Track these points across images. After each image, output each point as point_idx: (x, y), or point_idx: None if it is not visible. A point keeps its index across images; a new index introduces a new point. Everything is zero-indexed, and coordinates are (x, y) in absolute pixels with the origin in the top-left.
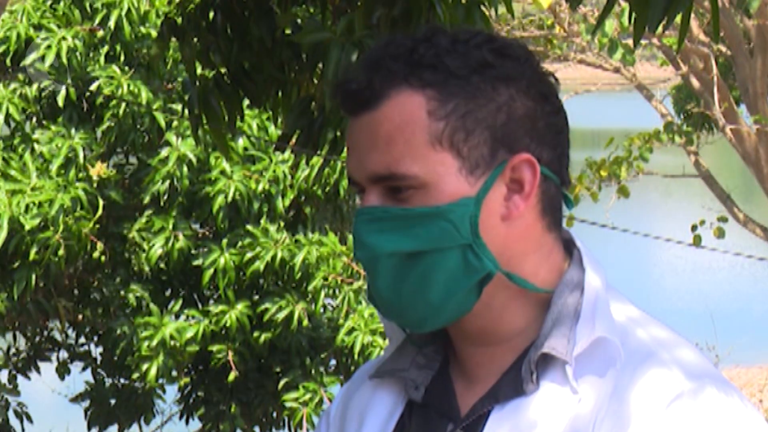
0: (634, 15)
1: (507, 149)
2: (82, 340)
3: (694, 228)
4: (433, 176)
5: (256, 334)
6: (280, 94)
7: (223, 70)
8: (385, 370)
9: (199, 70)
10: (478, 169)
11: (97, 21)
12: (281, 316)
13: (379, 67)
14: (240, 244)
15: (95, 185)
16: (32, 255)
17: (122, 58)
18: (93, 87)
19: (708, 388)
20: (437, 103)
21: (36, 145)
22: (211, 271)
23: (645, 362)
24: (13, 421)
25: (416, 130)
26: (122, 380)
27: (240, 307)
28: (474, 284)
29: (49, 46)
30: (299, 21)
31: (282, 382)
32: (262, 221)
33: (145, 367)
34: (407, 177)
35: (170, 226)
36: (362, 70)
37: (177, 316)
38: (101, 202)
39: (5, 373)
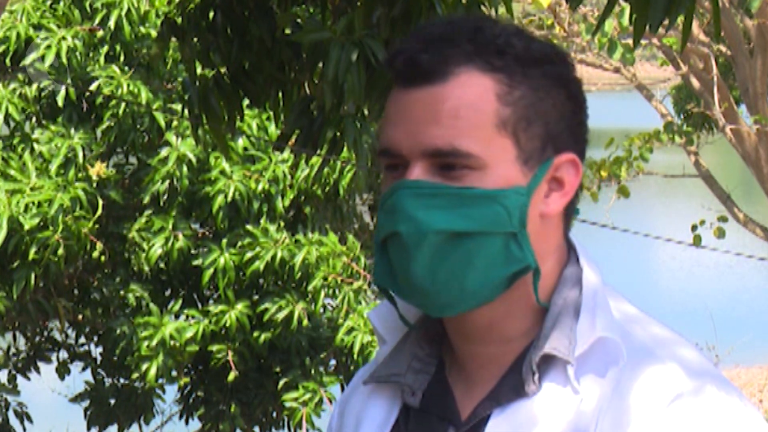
0: (634, 15)
1: (554, 147)
2: (82, 340)
3: (694, 228)
4: (492, 159)
5: (255, 334)
6: (280, 94)
7: (223, 70)
8: (381, 374)
9: (199, 70)
10: (531, 161)
11: (97, 21)
12: (281, 316)
13: (449, 43)
14: (240, 244)
15: (95, 185)
16: (32, 255)
17: (122, 58)
18: (93, 87)
19: (708, 387)
20: (507, 88)
21: (35, 145)
22: (211, 270)
23: (645, 361)
24: (13, 421)
25: (485, 111)
26: (122, 380)
27: (240, 307)
28: (509, 275)
29: (48, 46)
30: (299, 21)
31: (282, 382)
32: (262, 221)
33: (144, 366)
34: (469, 155)
35: (170, 226)
36: (429, 43)
37: (177, 316)
38: (101, 202)
39: (5, 373)
